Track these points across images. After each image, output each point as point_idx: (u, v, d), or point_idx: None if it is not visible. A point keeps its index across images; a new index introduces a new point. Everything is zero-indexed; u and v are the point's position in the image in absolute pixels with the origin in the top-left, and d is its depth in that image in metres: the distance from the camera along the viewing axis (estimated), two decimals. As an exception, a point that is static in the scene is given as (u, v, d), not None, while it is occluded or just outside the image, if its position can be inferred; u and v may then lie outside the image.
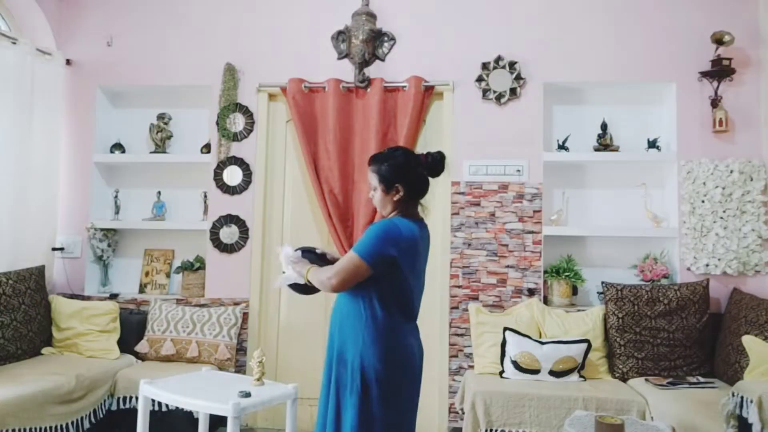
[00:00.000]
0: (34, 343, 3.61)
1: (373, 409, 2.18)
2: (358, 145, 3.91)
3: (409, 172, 2.26)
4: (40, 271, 3.79)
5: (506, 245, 3.83)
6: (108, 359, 3.62)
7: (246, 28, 4.15)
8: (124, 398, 3.41)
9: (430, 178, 2.31)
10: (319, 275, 2.26)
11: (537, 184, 3.85)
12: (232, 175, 4.06)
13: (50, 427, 3.03)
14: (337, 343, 2.28)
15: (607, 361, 3.54)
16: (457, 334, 3.81)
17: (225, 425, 2.59)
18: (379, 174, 2.28)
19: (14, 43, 3.85)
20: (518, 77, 3.89)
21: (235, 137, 4.07)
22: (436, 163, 2.29)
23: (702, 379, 3.31)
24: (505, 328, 3.47)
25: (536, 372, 3.32)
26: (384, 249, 2.16)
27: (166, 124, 4.32)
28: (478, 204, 3.88)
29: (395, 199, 2.27)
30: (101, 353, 3.65)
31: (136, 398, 3.16)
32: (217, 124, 4.08)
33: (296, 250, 2.45)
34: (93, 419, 3.31)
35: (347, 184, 3.89)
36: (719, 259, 3.65)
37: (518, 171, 3.86)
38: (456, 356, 3.80)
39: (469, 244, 3.86)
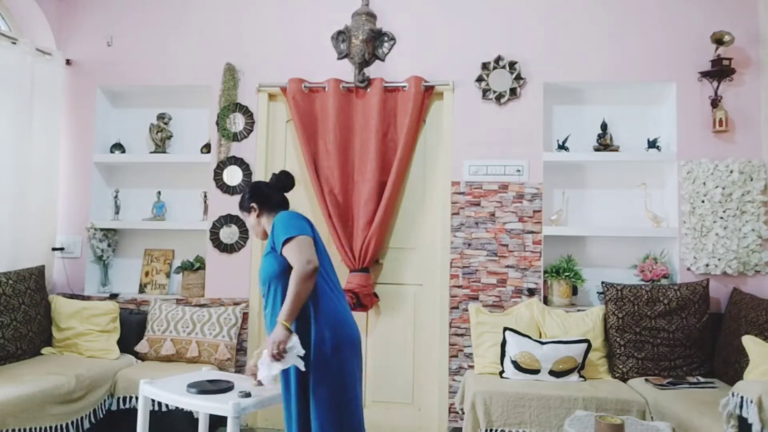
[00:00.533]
0: (34, 343, 3.61)
1: (327, 385, 2.32)
2: (358, 145, 3.92)
3: (256, 194, 2.59)
4: (40, 271, 3.79)
5: (506, 245, 3.83)
6: (108, 359, 3.62)
7: (246, 28, 4.15)
8: (124, 398, 3.41)
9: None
10: (289, 294, 2.26)
11: (537, 184, 3.85)
12: (232, 175, 4.06)
13: (50, 427, 3.03)
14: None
15: (607, 361, 3.54)
16: (457, 334, 3.81)
17: (225, 425, 2.59)
18: (240, 208, 2.64)
19: (14, 43, 3.85)
20: (518, 77, 3.89)
21: (235, 137, 4.07)
22: (282, 181, 2.63)
23: (702, 379, 3.31)
24: (505, 328, 3.47)
25: (536, 372, 3.32)
26: (298, 220, 2.40)
27: (166, 124, 4.32)
28: (478, 204, 3.88)
29: (258, 216, 2.58)
30: (101, 353, 3.65)
31: (136, 398, 3.17)
32: (217, 124, 4.09)
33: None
34: (93, 419, 3.31)
35: (347, 184, 3.89)
36: (719, 259, 3.65)
37: (518, 171, 3.86)
38: (456, 356, 3.80)
39: (469, 244, 3.86)
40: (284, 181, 2.64)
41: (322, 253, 2.43)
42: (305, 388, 2.34)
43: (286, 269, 2.34)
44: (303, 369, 2.29)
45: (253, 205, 2.58)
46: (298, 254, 2.29)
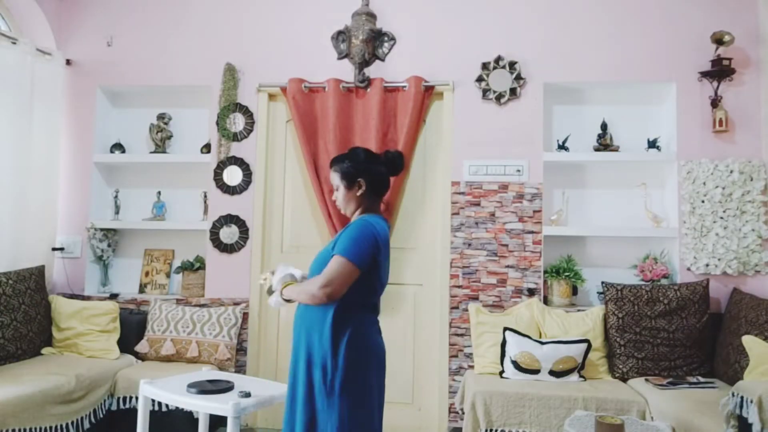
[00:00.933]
0: (34, 343, 3.61)
1: (350, 409, 2.16)
2: (358, 145, 3.91)
3: (369, 167, 2.31)
4: (40, 271, 3.79)
5: (506, 245, 3.83)
6: (108, 359, 3.62)
7: (246, 28, 4.15)
8: (124, 398, 3.41)
9: (393, 177, 2.40)
10: (306, 287, 2.18)
11: (537, 184, 3.85)
12: (232, 175, 4.06)
13: (50, 427, 3.03)
14: (304, 345, 2.24)
15: (607, 361, 3.54)
16: (457, 334, 3.81)
17: (225, 425, 2.59)
18: (341, 171, 2.32)
19: (14, 43, 3.85)
20: (518, 77, 3.89)
21: (235, 137, 4.07)
22: (394, 160, 2.35)
23: (702, 379, 3.31)
24: (505, 328, 3.47)
25: (536, 372, 3.32)
26: (369, 249, 2.17)
27: (166, 124, 4.32)
28: (478, 204, 3.88)
29: (358, 194, 2.30)
30: (101, 353, 3.65)
31: (136, 398, 3.17)
32: (217, 124, 4.09)
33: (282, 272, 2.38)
34: (93, 419, 3.31)
35: (347, 184, 3.88)
36: (719, 259, 3.65)
37: (518, 171, 3.86)
38: (456, 356, 3.80)
39: (469, 244, 3.86)
40: (396, 162, 2.36)
41: (379, 278, 2.28)
42: (320, 397, 2.19)
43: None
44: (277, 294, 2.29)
45: (361, 180, 2.29)
46: (329, 277, 2.11)
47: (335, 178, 2.35)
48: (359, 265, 2.14)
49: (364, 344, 2.23)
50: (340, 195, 2.34)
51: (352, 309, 2.21)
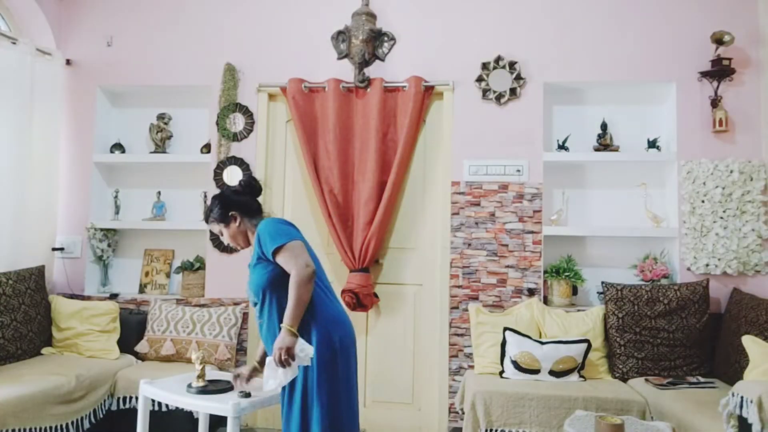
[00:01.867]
0: (34, 343, 3.61)
1: (327, 389, 2.28)
2: (358, 145, 3.91)
3: (231, 202, 2.52)
4: (40, 271, 3.79)
5: (506, 245, 3.83)
6: (108, 359, 3.62)
7: (246, 28, 4.15)
8: (124, 398, 3.41)
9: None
10: (290, 299, 2.23)
11: (537, 184, 3.85)
12: (232, 175, 4.06)
13: (50, 427, 3.03)
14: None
15: (607, 361, 3.54)
16: (457, 334, 3.81)
17: (225, 425, 2.59)
18: (215, 220, 2.54)
19: (14, 43, 3.85)
20: (518, 77, 3.89)
21: (235, 137, 4.07)
22: (249, 184, 2.58)
23: (702, 379, 3.31)
24: (505, 328, 3.47)
25: (536, 372, 3.32)
26: (284, 226, 2.37)
27: (166, 124, 4.32)
28: (478, 204, 3.88)
29: (238, 226, 2.52)
30: (101, 353, 3.65)
31: (136, 398, 3.17)
32: (217, 124, 4.09)
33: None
34: (93, 419, 3.31)
35: (347, 184, 3.89)
36: (719, 259, 3.65)
37: (518, 171, 3.86)
38: (456, 356, 3.80)
39: (469, 244, 3.86)
40: (254, 185, 2.60)
41: (313, 257, 2.39)
42: (306, 391, 2.29)
43: (278, 277, 2.32)
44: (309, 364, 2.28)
45: (233, 213, 2.51)
46: (294, 259, 2.26)
47: (215, 228, 2.57)
48: (293, 238, 2.32)
49: (332, 330, 2.34)
50: (227, 236, 2.55)
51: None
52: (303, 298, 2.24)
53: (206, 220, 2.58)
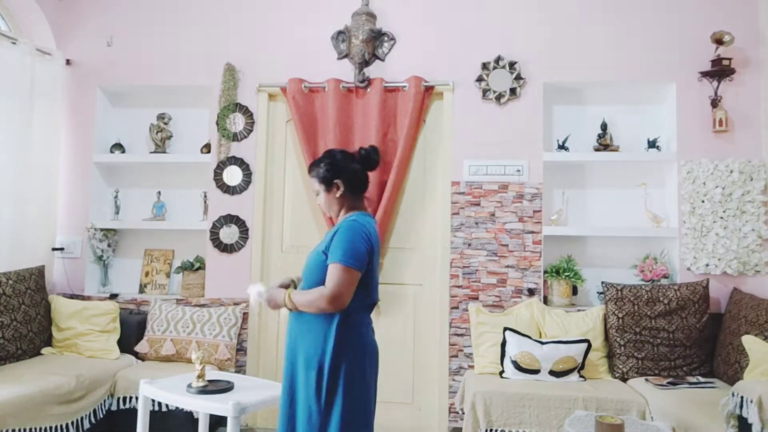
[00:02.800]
0: (34, 343, 3.61)
1: (351, 409, 2.17)
2: (358, 145, 3.85)
3: (344, 168, 2.33)
4: (40, 271, 3.79)
5: (506, 245, 3.83)
6: (108, 359, 3.62)
7: (246, 28, 4.15)
8: (124, 398, 3.41)
9: (370, 173, 2.43)
10: (308, 296, 2.18)
11: (537, 184, 3.85)
12: (232, 175, 4.06)
13: (50, 427, 3.03)
14: (303, 348, 2.23)
15: (607, 361, 3.54)
16: (457, 334, 3.81)
17: (225, 425, 2.59)
18: (318, 176, 2.36)
19: (14, 43, 3.85)
20: (518, 77, 3.89)
21: (235, 137, 4.07)
22: (368, 156, 2.37)
23: (702, 379, 3.31)
24: (505, 328, 3.47)
25: (536, 372, 3.32)
26: (364, 250, 2.18)
27: (166, 124, 4.32)
28: (478, 204, 3.88)
29: (338, 195, 2.32)
30: (101, 353, 3.65)
31: (136, 398, 3.17)
32: (217, 124, 4.09)
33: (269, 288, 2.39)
34: (93, 419, 3.31)
35: (347, 184, 3.88)
36: (719, 259, 3.65)
37: (518, 171, 3.86)
38: (456, 356, 3.80)
39: (469, 244, 3.86)
40: (370, 158, 2.38)
41: (374, 276, 2.27)
42: (320, 397, 2.18)
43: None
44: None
45: (338, 182, 2.31)
46: (333, 287, 2.12)
47: (314, 184, 2.39)
48: (359, 268, 2.15)
49: (362, 346, 2.24)
50: (321, 199, 2.38)
51: (352, 312, 2.20)
52: (311, 310, 2.19)
53: (310, 169, 2.41)
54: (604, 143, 3.94)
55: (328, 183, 2.33)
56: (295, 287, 2.38)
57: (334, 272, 2.14)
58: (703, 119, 3.78)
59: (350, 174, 2.33)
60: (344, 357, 2.17)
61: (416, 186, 4.02)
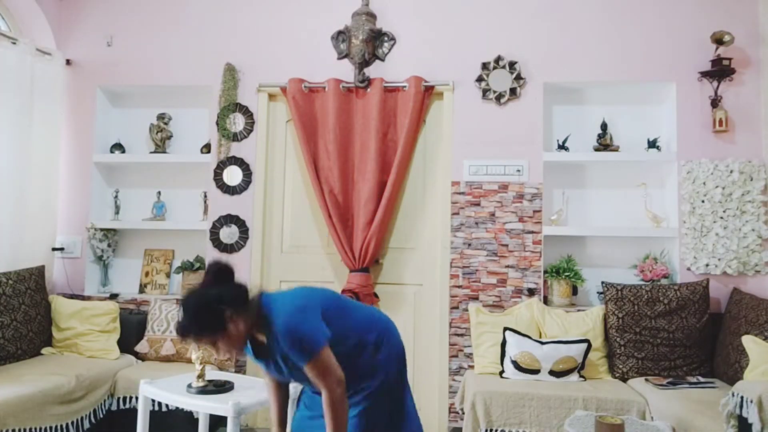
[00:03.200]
0: (34, 343, 3.61)
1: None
2: (358, 145, 3.92)
3: (225, 301, 1.96)
4: (40, 271, 3.79)
5: (506, 245, 3.83)
6: (108, 359, 3.62)
7: (246, 28, 4.15)
8: (124, 398, 3.41)
9: None
10: (332, 420, 1.96)
11: (537, 184, 3.85)
12: (232, 175, 4.06)
13: (50, 427, 3.03)
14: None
15: (607, 361, 3.54)
16: (457, 334, 3.81)
17: (225, 425, 2.59)
18: (206, 335, 1.95)
19: (14, 43, 3.85)
20: (518, 77, 3.89)
21: (235, 137, 4.07)
22: (217, 269, 2.09)
23: (702, 379, 3.31)
24: (505, 328, 3.47)
25: (536, 372, 3.32)
26: (314, 325, 1.97)
27: (166, 124, 4.32)
28: (478, 204, 3.88)
29: (239, 326, 1.96)
30: (101, 353, 3.65)
31: (136, 398, 3.17)
32: (217, 124, 4.08)
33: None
34: (93, 419, 3.31)
35: (347, 184, 3.89)
36: (719, 259, 3.65)
37: (518, 171, 3.86)
38: (456, 356, 3.80)
39: (469, 244, 3.86)
40: (223, 267, 2.12)
41: (339, 304, 2.13)
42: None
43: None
44: None
45: (228, 314, 1.93)
46: (323, 380, 1.94)
47: (208, 344, 1.98)
48: (324, 343, 1.95)
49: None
50: (224, 346, 1.97)
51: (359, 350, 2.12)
52: (342, 420, 1.97)
53: (185, 335, 1.93)
54: (604, 143, 3.94)
55: (220, 327, 1.92)
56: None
57: (312, 369, 1.94)
58: (703, 119, 3.78)
59: (232, 300, 1.97)
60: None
61: (416, 186, 4.02)
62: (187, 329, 1.92)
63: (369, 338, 2.13)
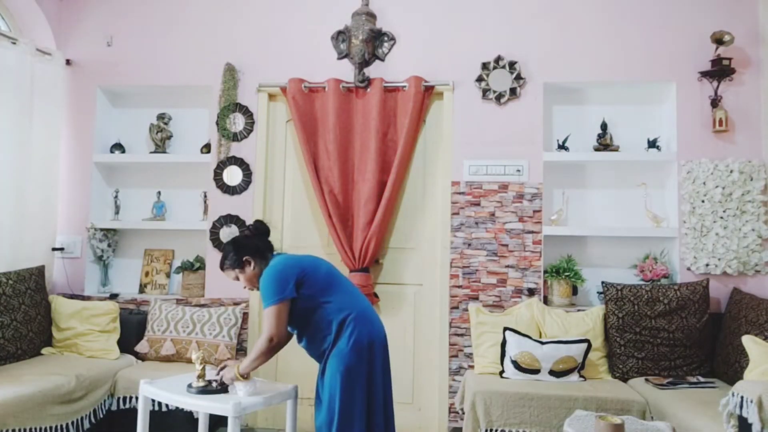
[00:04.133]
0: (34, 343, 3.61)
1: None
2: (358, 145, 3.91)
3: (245, 247, 2.65)
4: (40, 271, 3.79)
5: (506, 245, 3.83)
6: (108, 359, 3.62)
7: (246, 28, 4.15)
8: (124, 398, 3.41)
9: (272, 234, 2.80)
10: (255, 349, 2.50)
11: (537, 184, 3.85)
12: (232, 175, 4.06)
13: (50, 427, 3.03)
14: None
15: (607, 361, 3.54)
16: (457, 334, 3.81)
17: (225, 425, 2.59)
18: (230, 267, 2.66)
19: (14, 43, 3.85)
20: (518, 77, 3.89)
21: (235, 137, 4.07)
22: (257, 228, 2.74)
23: (702, 379, 3.31)
24: (505, 328, 3.47)
25: (536, 372, 3.32)
26: (280, 282, 2.49)
27: (166, 124, 4.32)
28: (478, 204, 3.88)
29: (253, 269, 2.63)
30: (101, 353, 3.65)
31: (136, 398, 3.17)
32: (217, 124, 4.08)
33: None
34: (93, 419, 3.31)
35: (347, 184, 3.89)
36: (719, 259, 3.65)
37: (518, 171, 3.86)
38: (456, 356, 3.80)
39: (469, 244, 3.86)
40: (263, 227, 2.75)
41: (331, 278, 2.60)
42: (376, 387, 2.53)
43: (299, 313, 2.54)
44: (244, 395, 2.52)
45: (247, 258, 2.62)
46: (266, 327, 2.48)
47: (230, 275, 2.68)
48: (281, 298, 2.47)
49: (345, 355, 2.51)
50: (243, 280, 2.66)
51: (325, 329, 2.55)
52: (261, 360, 2.50)
53: (221, 267, 2.68)
54: (604, 143, 3.94)
55: (240, 265, 2.63)
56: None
57: (264, 316, 2.50)
58: (703, 119, 3.78)
59: (251, 248, 2.65)
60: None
61: (416, 186, 4.02)
62: (221, 262, 2.69)
63: (335, 315, 2.52)
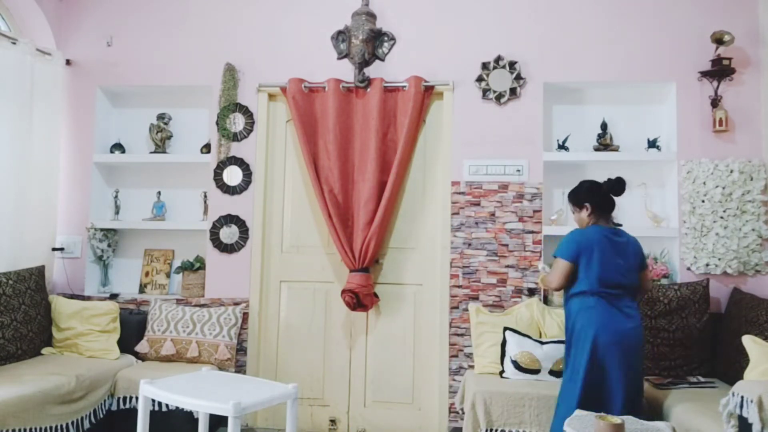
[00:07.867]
0: (34, 343, 3.61)
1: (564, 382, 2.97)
2: (358, 145, 3.91)
3: (589, 195, 3.00)
4: (40, 271, 3.79)
5: (506, 245, 3.83)
6: (108, 359, 3.62)
7: (246, 28, 4.15)
8: (124, 398, 3.41)
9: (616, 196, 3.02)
10: (547, 277, 3.01)
11: (537, 183, 3.85)
12: (232, 175, 4.06)
13: (50, 427, 3.03)
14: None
15: (607, 361, 3.53)
16: (457, 334, 3.81)
17: (225, 425, 2.59)
18: (571, 201, 3.11)
19: (14, 43, 3.85)
20: (518, 77, 3.89)
21: (235, 137, 4.07)
22: (615, 185, 2.97)
23: (702, 379, 3.31)
24: (505, 328, 3.47)
25: (536, 372, 3.32)
26: (571, 247, 2.90)
27: (166, 124, 4.32)
28: (478, 204, 3.88)
29: (584, 215, 3.01)
30: (101, 353, 3.65)
31: (136, 398, 3.17)
32: (217, 124, 4.09)
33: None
34: (93, 419, 3.31)
35: (347, 184, 3.89)
36: (719, 259, 3.65)
37: (518, 171, 3.86)
38: (456, 356, 3.80)
39: (469, 244, 3.86)
40: (617, 187, 2.97)
41: (602, 266, 2.85)
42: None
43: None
44: None
45: (587, 204, 2.99)
46: (550, 273, 2.97)
47: (570, 206, 3.13)
48: (566, 257, 2.89)
49: (577, 326, 2.86)
50: (575, 216, 3.10)
51: (573, 296, 2.91)
52: (546, 282, 3.03)
53: (569, 194, 3.12)
54: (604, 143, 3.94)
55: (576, 204, 3.06)
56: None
57: (553, 264, 2.99)
58: (703, 119, 3.78)
59: (597, 199, 2.99)
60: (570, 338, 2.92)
61: (416, 186, 4.02)
62: (571, 192, 3.13)
63: (586, 289, 2.87)
